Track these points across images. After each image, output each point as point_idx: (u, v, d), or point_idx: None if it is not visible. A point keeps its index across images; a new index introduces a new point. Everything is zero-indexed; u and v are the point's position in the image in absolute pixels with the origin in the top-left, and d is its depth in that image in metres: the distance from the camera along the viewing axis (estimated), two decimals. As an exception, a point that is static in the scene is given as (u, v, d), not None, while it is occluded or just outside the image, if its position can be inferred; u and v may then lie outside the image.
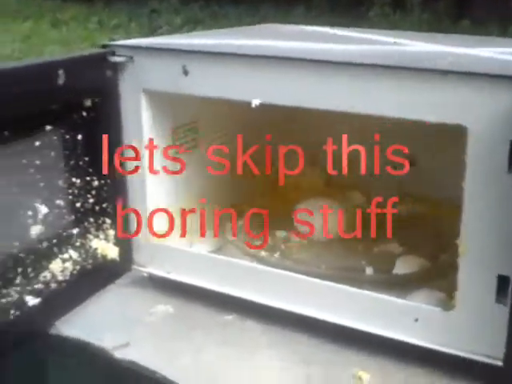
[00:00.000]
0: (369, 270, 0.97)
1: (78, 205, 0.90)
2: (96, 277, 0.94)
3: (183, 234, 1.02)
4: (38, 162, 0.83)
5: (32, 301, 0.83)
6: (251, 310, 0.91)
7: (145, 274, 1.00)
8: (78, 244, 0.91)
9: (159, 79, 0.90)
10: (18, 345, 0.83)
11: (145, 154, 0.93)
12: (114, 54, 0.90)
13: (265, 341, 0.88)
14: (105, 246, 0.94)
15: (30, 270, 0.84)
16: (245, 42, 1.02)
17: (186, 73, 0.87)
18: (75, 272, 0.89)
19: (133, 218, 0.96)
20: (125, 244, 0.96)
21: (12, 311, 0.80)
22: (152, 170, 0.95)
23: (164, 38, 1.01)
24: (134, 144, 0.93)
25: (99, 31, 5.88)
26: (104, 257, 0.94)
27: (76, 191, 0.89)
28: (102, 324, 0.90)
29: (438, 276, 0.90)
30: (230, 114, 1.06)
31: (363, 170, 1.21)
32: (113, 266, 0.96)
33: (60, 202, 0.87)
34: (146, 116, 0.92)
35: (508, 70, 0.73)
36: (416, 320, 0.80)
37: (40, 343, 0.88)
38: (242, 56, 0.84)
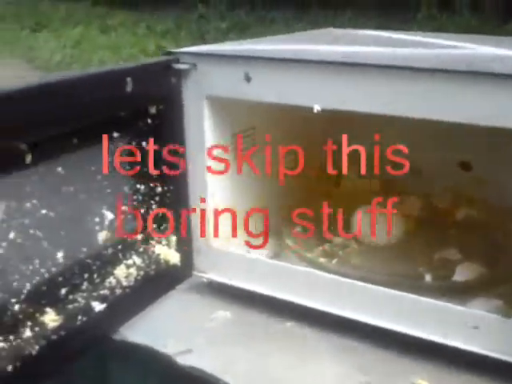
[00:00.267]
0: (427, 277, 0.96)
1: (142, 211, 0.91)
2: (158, 282, 0.95)
3: (243, 240, 1.02)
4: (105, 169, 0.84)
5: (98, 306, 0.84)
6: (310, 317, 0.91)
7: (205, 280, 1.00)
8: (141, 250, 0.92)
9: (222, 86, 0.90)
10: (84, 350, 0.85)
11: (207, 159, 0.94)
12: (178, 61, 0.91)
13: (324, 347, 0.88)
14: (167, 252, 0.95)
15: (95, 275, 0.85)
16: (306, 48, 1.02)
17: (248, 79, 0.87)
18: (139, 278, 0.90)
19: (194, 224, 0.97)
20: (186, 250, 0.97)
21: (79, 317, 0.81)
22: (214, 176, 0.95)
23: (226, 45, 1.02)
24: (195, 150, 0.94)
25: (147, 37, 5.96)
26: (166, 262, 0.95)
27: (141, 198, 0.90)
28: (164, 330, 0.91)
29: (497, 283, 0.89)
30: (287, 120, 1.06)
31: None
32: (174, 271, 0.96)
33: (125, 208, 0.88)
34: (207, 122, 0.93)
35: None
36: (476, 328, 0.79)
37: (104, 348, 0.89)
38: (305, 62, 0.85)
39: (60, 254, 0.80)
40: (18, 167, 0.72)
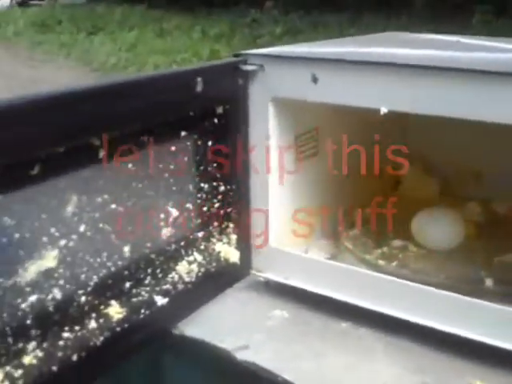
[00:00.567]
0: (488, 282, 0.95)
1: (205, 209, 0.93)
2: (218, 280, 0.96)
3: (300, 240, 1.03)
4: (172, 167, 0.86)
5: (160, 301, 0.86)
6: (366, 318, 0.92)
7: (262, 279, 1.01)
8: (202, 247, 0.94)
9: (288, 87, 0.91)
10: (146, 343, 0.87)
11: (270, 160, 0.95)
12: (245, 62, 0.93)
13: (380, 348, 0.88)
14: (227, 250, 0.96)
15: (159, 270, 0.87)
16: (372, 50, 1.02)
17: (315, 80, 0.88)
18: (200, 274, 0.92)
19: (254, 223, 0.98)
20: (245, 249, 0.99)
21: (142, 310, 0.83)
22: (275, 177, 0.97)
23: (293, 47, 1.03)
24: (259, 150, 0.95)
25: (202, 41, 6.03)
26: (226, 260, 0.96)
27: (204, 196, 0.92)
28: (221, 326, 0.93)
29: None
30: (348, 121, 1.07)
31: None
32: (233, 269, 0.98)
33: (189, 205, 0.90)
34: (272, 123, 0.94)
35: None
36: None
37: (162, 342, 0.91)
38: (372, 64, 0.85)
39: (126, 249, 0.82)
40: (91, 162, 0.75)
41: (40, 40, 6.96)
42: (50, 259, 0.72)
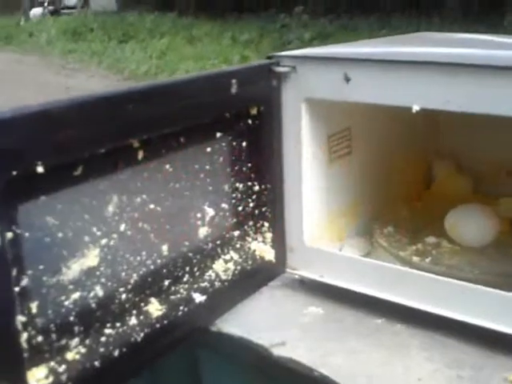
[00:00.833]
0: None
1: (240, 208, 0.95)
2: (254, 277, 0.98)
3: (334, 238, 1.05)
4: (207, 167, 0.88)
5: (198, 298, 0.87)
6: (401, 314, 0.92)
7: (296, 277, 1.03)
8: (238, 246, 0.95)
9: (321, 87, 0.93)
10: (185, 339, 0.88)
11: (303, 159, 0.97)
12: (278, 64, 0.94)
13: (416, 344, 0.89)
14: (262, 248, 0.98)
15: (196, 268, 0.89)
16: (403, 50, 1.03)
17: (347, 80, 0.90)
18: (236, 272, 0.94)
19: (288, 222, 1.00)
20: (280, 247, 1.00)
21: (181, 307, 0.85)
22: (308, 176, 0.98)
23: (325, 48, 1.04)
24: (292, 150, 0.97)
25: (231, 47, 6.06)
26: (262, 258, 0.98)
27: (239, 195, 0.94)
28: (257, 323, 0.94)
29: None
30: (381, 120, 1.08)
31: None
32: (269, 267, 0.99)
33: (224, 205, 0.92)
34: (305, 123, 0.96)
35: None
36: None
37: (202, 339, 0.93)
38: (403, 62, 0.86)
39: (165, 247, 0.84)
40: (130, 163, 0.77)
41: (72, 48, 7.06)
42: (91, 258, 0.75)
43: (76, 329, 0.74)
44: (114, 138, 0.73)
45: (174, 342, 0.86)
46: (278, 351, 0.88)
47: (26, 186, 0.65)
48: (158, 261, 0.83)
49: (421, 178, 1.28)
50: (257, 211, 0.96)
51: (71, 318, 0.73)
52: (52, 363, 0.70)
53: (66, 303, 0.73)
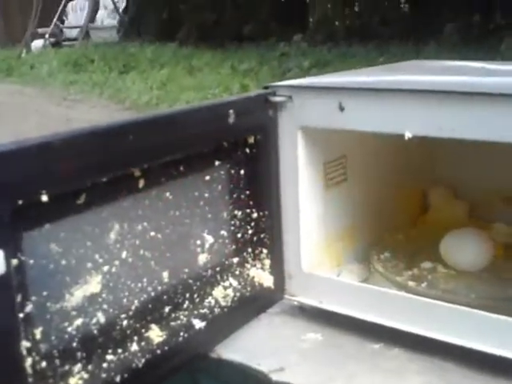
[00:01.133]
0: None
1: (239, 235, 0.96)
2: (253, 304, 0.99)
3: (332, 264, 1.07)
4: (207, 195, 0.90)
5: (198, 324, 0.89)
6: (399, 339, 0.93)
7: (295, 303, 1.04)
8: (237, 272, 0.97)
9: (316, 116, 0.95)
10: (185, 365, 0.90)
11: (299, 186, 0.99)
12: (275, 94, 0.97)
13: (414, 368, 0.90)
14: (261, 275, 0.99)
15: (196, 295, 0.91)
16: (397, 78, 1.06)
17: (342, 109, 0.92)
18: (235, 299, 0.95)
19: (287, 248, 1.02)
20: (279, 273, 1.02)
21: (181, 333, 0.87)
22: (305, 203, 1.00)
23: (320, 78, 1.07)
24: (289, 178, 0.99)
25: (231, 76, 6.12)
26: (260, 285, 0.99)
27: (237, 222, 0.96)
28: (256, 349, 0.95)
29: None
30: (376, 147, 1.11)
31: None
32: (268, 294, 1.01)
33: (224, 232, 0.94)
34: (301, 151, 0.98)
35: None
36: None
37: (202, 365, 0.94)
38: (395, 91, 0.89)
39: (165, 274, 0.86)
40: (131, 191, 0.79)
41: (73, 79, 7.12)
42: (94, 284, 0.76)
43: (79, 354, 0.75)
44: (115, 167, 0.76)
45: (175, 367, 0.87)
46: (277, 377, 0.89)
47: (31, 214, 0.68)
48: (159, 287, 0.85)
49: (417, 205, 1.30)
50: (255, 238, 0.98)
51: (74, 344, 0.75)
52: (55, 388, 0.72)
53: (69, 329, 0.75)
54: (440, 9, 8.29)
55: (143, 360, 0.81)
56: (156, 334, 0.84)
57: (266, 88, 0.99)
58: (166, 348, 0.84)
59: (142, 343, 0.82)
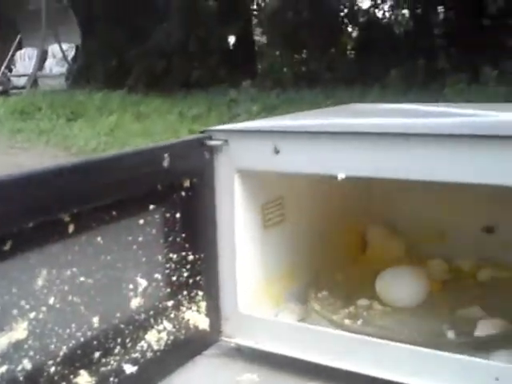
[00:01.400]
0: (450, 334, 0.98)
1: (174, 278, 0.96)
2: (188, 347, 0.98)
3: (270, 305, 1.06)
4: (140, 239, 0.90)
5: (129, 369, 0.88)
6: (335, 377, 0.93)
7: (232, 345, 1.03)
8: (172, 315, 0.96)
9: (252, 159, 0.97)
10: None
11: (236, 228, 0.99)
12: (211, 138, 0.98)
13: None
14: (197, 318, 0.99)
15: (128, 339, 0.89)
16: (331, 121, 1.08)
17: (277, 152, 0.93)
18: (169, 342, 0.94)
19: (223, 290, 1.01)
20: (215, 316, 1.01)
21: (111, 379, 0.85)
22: (242, 244, 1.00)
23: (256, 122, 1.09)
24: (226, 220, 0.99)
25: (179, 122, 6.12)
26: (196, 328, 0.98)
27: (172, 265, 0.95)
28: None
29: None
30: (313, 188, 1.12)
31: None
32: (203, 336, 1.00)
33: (158, 275, 0.93)
34: (238, 193, 0.99)
35: None
36: (497, 379, 0.82)
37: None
38: (328, 134, 0.91)
39: (95, 319, 0.84)
40: (61, 237, 0.78)
41: (20, 127, 7.04)
42: (20, 331, 0.75)
43: (5, 404, 0.73)
44: (43, 212, 0.75)
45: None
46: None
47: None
48: (89, 333, 0.84)
49: (355, 243, 1.32)
50: (191, 280, 0.98)
51: (-1, 393, 0.73)
52: None
53: (-6, 377, 0.73)
54: (385, 54, 8.52)
55: (72, 408, 0.79)
56: (85, 380, 0.82)
57: (203, 132, 1.00)
58: (96, 394, 0.82)
59: (71, 390, 0.81)
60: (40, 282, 0.77)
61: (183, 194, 0.95)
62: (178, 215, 0.95)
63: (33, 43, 10.51)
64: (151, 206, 0.91)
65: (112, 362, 0.86)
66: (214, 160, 0.99)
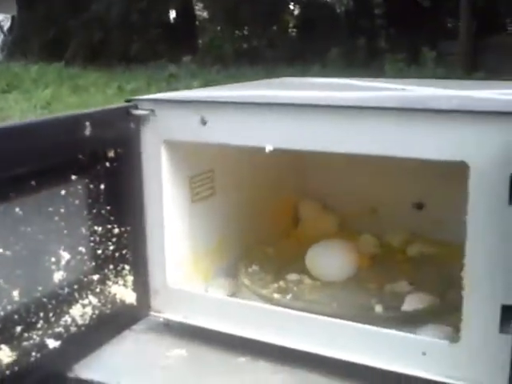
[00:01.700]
0: (378, 308, 0.99)
1: (99, 252, 0.93)
2: (114, 322, 0.96)
3: (199, 279, 1.05)
4: (62, 210, 0.87)
5: (52, 344, 0.85)
6: (265, 351, 0.93)
7: (161, 320, 1.02)
8: (97, 290, 0.93)
9: (179, 130, 0.94)
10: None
11: (164, 201, 0.97)
12: (137, 107, 0.95)
13: (278, 380, 0.90)
14: (123, 292, 0.96)
15: (51, 314, 0.87)
16: (259, 93, 1.07)
17: (204, 122, 0.92)
18: (94, 317, 0.92)
19: (151, 264, 1.00)
20: (143, 290, 0.99)
21: (33, 353, 0.83)
22: (170, 217, 0.98)
23: (183, 92, 1.06)
24: (153, 193, 0.97)
25: (118, 96, 6.02)
26: (123, 302, 0.96)
27: (97, 239, 0.93)
28: (118, 368, 0.93)
29: (447, 311, 0.92)
30: (245, 162, 1.11)
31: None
32: (131, 311, 0.98)
33: (82, 248, 0.91)
34: (165, 166, 0.96)
35: (506, 108, 0.77)
36: (424, 353, 0.82)
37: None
38: (255, 104, 0.90)
39: (15, 293, 0.81)
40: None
41: (-46, 99, 6.82)
42: None
43: None
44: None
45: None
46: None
47: None
48: (9, 306, 0.81)
49: (288, 218, 1.31)
50: (117, 254, 0.95)
51: None
52: None
53: None
54: (326, 33, 8.57)
55: (-8, 383, 0.77)
56: (6, 355, 0.79)
57: (128, 101, 0.97)
58: (17, 368, 0.80)
59: (-10, 365, 0.78)
60: (-46, 254, 0.74)
61: (108, 164, 0.92)
62: (102, 186, 0.92)
63: (-34, 13, 10.17)
64: (73, 177, 0.88)
65: (34, 336, 0.83)
66: (141, 130, 0.96)
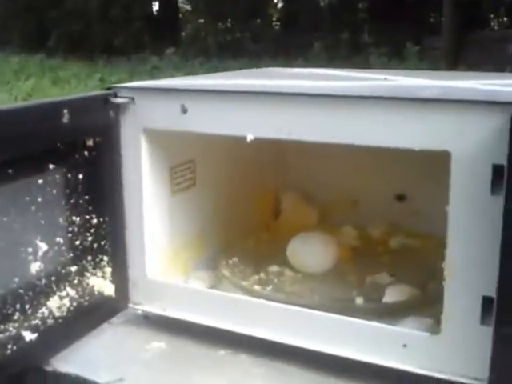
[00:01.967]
0: (359, 300, 0.99)
1: (77, 242, 0.92)
2: (92, 314, 0.95)
3: (179, 271, 1.04)
4: (39, 200, 0.85)
5: (29, 336, 0.84)
6: (245, 344, 0.92)
7: (140, 312, 1.01)
8: (75, 281, 0.92)
9: (159, 118, 0.93)
10: (14, 380, 0.84)
11: (143, 191, 0.96)
12: (116, 95, 0.94)
13: (259, 373, 0.89)
14: (102, 284, 0.95)
15: (28, 306, 0.85)
16: (240, 82, 1.06)
17: (184, 111, 0.90)
18: (72, 309, 0.90)
19: (130, 256, 0.98)
20: (121, 282, 0.98)
21: (9, 346, 0.81)
22: (150, 208, 0.97)
23: (164, 80, 1.05)
24: (132, 182, 0.96)
25: (100, 88, 5.99)
26: (101, 294, 0.95)
27: (75, 229, 0.91)
28: (96, 361, 0.92)
29: (428, 303, 0.91)
30: (226, 152, 1.10)
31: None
32: (109, 303, 0.97)
33: (59, 239, 0.89)
34: (145, 155, 0.95)
35: (488, 97, 0.76)
36: (404, 346, 0.82)
37: (35, 379, 0.89)
38: (236, 93, 0.88)
39: (-10, 284, 0.80)
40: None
41: None
42: None
43: None
44: None
45: (4, 381, 0.82)
46: (115, 388, 0.86)
47: None
48: (-16, 298, 0.79)
49: (269, 210, 1.30)
50: (95, 245, 0.94)
51: None
52: None
53: None
54: (310, 27, 8.57)
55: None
56: (-20, 347, 0.78)
57: (108, 89, 0.95)
58: (-8, 361, 0.78)
59: (-35, 357, 0.76)
60: None
61: (86, 153, 0.91)
62: (80, 176, 0.90)
63: None
64: (51, 166, 0.86)
65: (10, 328, 0.82)
66: (120, 119, 0.94)
